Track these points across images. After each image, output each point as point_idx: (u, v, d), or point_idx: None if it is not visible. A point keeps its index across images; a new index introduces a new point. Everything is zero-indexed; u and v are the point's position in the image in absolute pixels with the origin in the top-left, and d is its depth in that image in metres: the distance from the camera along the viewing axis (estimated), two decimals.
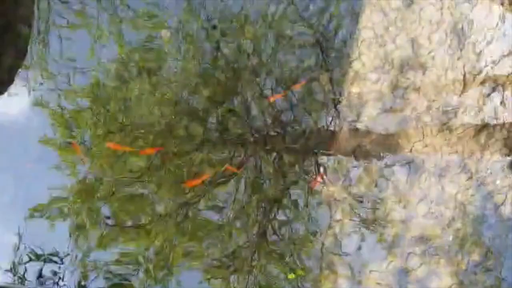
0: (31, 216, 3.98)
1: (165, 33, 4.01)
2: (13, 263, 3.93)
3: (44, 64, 4.11)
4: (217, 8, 4.04)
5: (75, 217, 3.98)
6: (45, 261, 3.97)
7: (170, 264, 3.90)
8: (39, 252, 3.95)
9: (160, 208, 3.93)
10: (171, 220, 3.92)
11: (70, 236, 3.96)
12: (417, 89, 3.90)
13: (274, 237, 3.91)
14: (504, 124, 3.83)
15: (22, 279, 3.94)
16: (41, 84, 4.08)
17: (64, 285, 3.92)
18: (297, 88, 3.96)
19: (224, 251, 3.90)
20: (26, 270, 3.94)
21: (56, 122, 4.06)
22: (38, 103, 4.07)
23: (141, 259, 3.91)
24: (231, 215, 3.92)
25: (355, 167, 3.92)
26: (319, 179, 3.90)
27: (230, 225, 3.93)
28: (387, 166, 3.88)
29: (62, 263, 3.95)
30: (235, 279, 3.88)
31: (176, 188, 3.94)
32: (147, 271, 3.90)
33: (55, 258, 3.97)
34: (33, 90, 4.06)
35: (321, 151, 3.94)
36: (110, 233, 3.95)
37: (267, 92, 3.98)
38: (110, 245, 3.95)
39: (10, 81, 4.13)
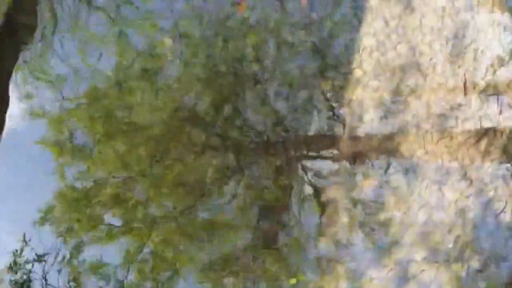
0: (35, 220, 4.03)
1: (168, 41, 4.04)
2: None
3: (45, 68, 4.13)
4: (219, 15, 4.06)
5: (76, 219, 4.02)
6: (45, 262, 4.01)
7: (174, 267, 3.93)
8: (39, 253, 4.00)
9: (159, 211, 3.97)
10: (173, 222, 3.95)
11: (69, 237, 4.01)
12: (418, 96, 3.91)
13: (275, 242, 3.93)
14: (503, 131, 3.83)
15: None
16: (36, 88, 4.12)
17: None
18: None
19: (224, 255, 3.92)
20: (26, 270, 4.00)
21: (54, 126, 4.09)
22: (36, 108, 4.11)
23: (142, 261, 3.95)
24: (231, 219, 3.95)
25: (356, 172, 3.93)
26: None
27: (230, 229, 3.95)
28: (387, 172, 3.89)
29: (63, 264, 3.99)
30: (234, 284, 3.90)
31: (177, 191, 3.98)
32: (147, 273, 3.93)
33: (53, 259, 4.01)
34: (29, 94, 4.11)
35: (322, 156, 3.96)
36: (112, 235, 3.99)
37: None
38: (110, 246, 3.98)
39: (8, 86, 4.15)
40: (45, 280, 3.98)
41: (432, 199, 3.83)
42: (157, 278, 3.94)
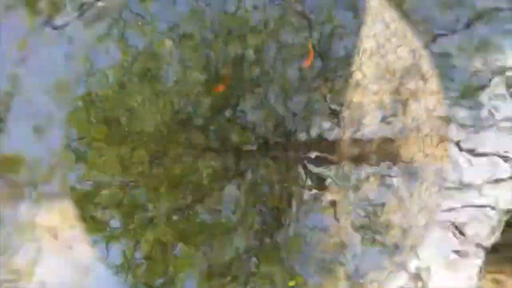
0: None
1: (168, 42, 4.02)
2: None
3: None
4: (220, 17, 4.06)
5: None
6: None
7: (170, 272, 3.92)
8: None
9: (158, 214, 3.96)
10: (172, 225, 3.94)
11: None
12: (417, 99, 3.93)
13: (274, 244, 3.93)
14: None
15: None
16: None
17: None
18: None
19: (222, 257, 3.92)
20: None
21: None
22: None
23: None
24: (230, 221, 3.95)
25: (356, 175, 3.94)
26: (310, 58, 3.88)
27: (229, 230, 3.95)
28: (387, 175, 3.91)
29: None
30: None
31: (177, 193, 3.97)
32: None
33: None
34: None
35: (322, 159, 3.96)
36: (109, 237, 3.97)
37: None
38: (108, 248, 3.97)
39: None
40: None
41: (432, 201, 3.85)
42: (152, 284, 3.93)
